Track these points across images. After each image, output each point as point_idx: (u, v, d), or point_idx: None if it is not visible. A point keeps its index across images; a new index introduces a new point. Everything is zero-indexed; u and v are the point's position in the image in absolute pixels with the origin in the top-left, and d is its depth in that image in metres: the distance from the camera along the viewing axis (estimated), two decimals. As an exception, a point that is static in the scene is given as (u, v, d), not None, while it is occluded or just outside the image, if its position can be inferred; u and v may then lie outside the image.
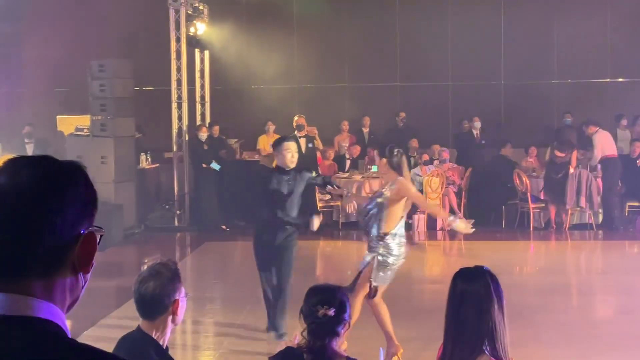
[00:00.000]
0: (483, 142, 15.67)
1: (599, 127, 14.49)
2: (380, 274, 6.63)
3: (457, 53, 17.44)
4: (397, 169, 6.66)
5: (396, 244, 6.63)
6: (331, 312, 3.31)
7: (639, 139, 14.94)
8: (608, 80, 17.48)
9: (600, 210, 13.98)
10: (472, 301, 3.26)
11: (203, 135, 14.64)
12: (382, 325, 6.80)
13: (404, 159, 6.76)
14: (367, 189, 14.12)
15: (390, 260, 6.63)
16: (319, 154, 14.99)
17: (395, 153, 6.67)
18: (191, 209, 14.84)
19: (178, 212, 14.90)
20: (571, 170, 13.68)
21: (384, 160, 6.68)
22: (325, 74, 17.46)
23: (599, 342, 7.16)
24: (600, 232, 13.81)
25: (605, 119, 15.35)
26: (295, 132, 14.23)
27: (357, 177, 14.70)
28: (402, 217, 6.69)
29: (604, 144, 14.31)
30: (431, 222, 13.99)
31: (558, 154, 13.82)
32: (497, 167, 14.66)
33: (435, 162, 14.85)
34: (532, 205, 13.83)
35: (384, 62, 17.60)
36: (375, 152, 6.96)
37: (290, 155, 7.26)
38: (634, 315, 8.37)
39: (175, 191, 14.99)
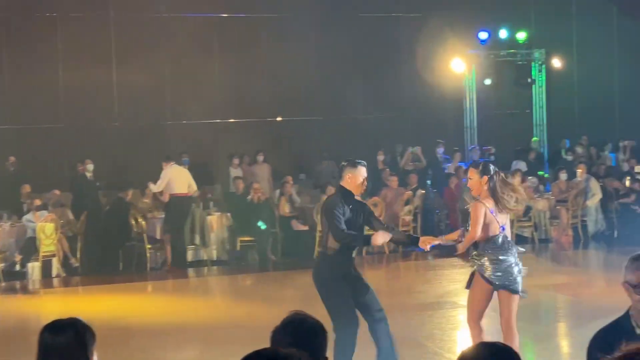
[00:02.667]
0: (97, 184, 15.57)
1: (173, 162, 14.59)
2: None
3: (69, 97, 17.36)
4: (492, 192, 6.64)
5: None
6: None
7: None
8: (219, 120, 18.56)
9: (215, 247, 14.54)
10: (59, 354, 3.25)
11: None
12: None
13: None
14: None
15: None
16: None
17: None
18: None
19: None
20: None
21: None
22: None
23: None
24: (215, 268, 14.32)
25: (221, 158, 16.23)
26: None
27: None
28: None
29: (176, 179, 14.12)
30: (46, 270, 13.45)
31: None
32: (114, 210, 14.57)
33: (51, 207, 14.36)
34: (148, 247, 13.95)
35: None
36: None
37: (363, 181, 6.68)
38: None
39: None
